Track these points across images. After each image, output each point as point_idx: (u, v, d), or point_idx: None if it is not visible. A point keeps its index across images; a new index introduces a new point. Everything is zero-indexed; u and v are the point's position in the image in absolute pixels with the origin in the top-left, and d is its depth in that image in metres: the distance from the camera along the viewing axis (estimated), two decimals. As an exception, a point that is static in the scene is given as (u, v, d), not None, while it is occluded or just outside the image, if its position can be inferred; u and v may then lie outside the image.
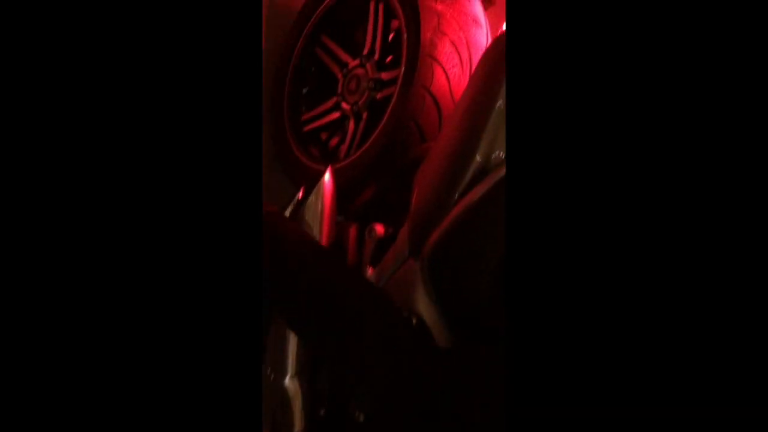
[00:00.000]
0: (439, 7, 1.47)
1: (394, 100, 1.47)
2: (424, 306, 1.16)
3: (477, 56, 1.49)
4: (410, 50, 1.45)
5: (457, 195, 1.16)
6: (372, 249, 1.47)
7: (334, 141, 1.70)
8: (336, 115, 1.68)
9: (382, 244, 1.46)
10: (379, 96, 1.60)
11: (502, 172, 1.09)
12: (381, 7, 1.60)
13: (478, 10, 1.53)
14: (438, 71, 1.45)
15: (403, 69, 1.46)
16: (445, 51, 1.46)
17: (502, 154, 1.18)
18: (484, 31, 1.53)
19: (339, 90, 1.67)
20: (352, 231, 1.51)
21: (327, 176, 1.47)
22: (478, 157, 1.18)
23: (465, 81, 1.47)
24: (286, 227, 1.47)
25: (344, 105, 1.66)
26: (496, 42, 1.29)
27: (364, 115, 1.62)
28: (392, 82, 1.55)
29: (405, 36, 1.47)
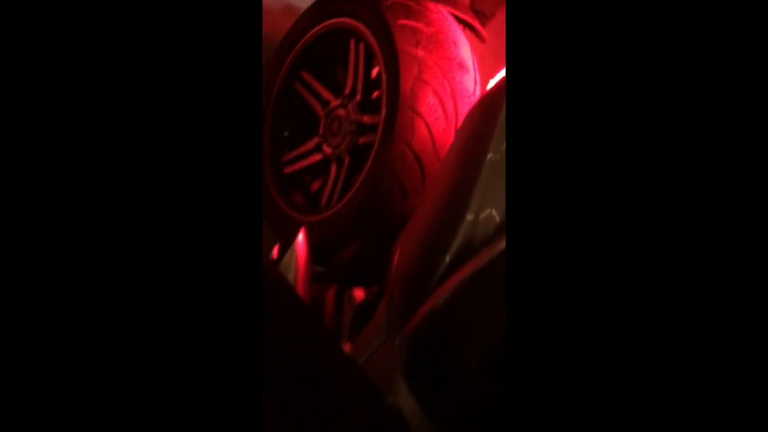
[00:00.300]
0: (420, 53, 1.35)
1: (372, 156, 1.37)
2: (403, 394, 1.09)
3: (463, 104, 1.38)
4: (389, 103, 1.34)
5: (447, 257, 1.07)
6: (351, 318, 1.39)
7: (316, 185, 1.61)
8: (318, 157, 1.59)
9: (362, 311, 1.38)
10: (361, 141, 1.50)
11: (501, 245, 1.01)
12: (361, 46, 1.49)
13: (465, 53, 1.41)
14: (419, 125, 1.35)
15: (382, 124, 1.35)
16: (427, 102, 1.35)
17: (495, 213, 1.10)
18: (472, 75, 1.41)
19: (321, 131, 1.57)
20: (331, 294, 1.43)
21: (300, 237, 1.39)
22: (468, 216, 1.09)
23: (450, 133, 1.36)
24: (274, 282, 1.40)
25: (326, 148, 1.57)
26: (482, 100, 1.19)
27: (346, 160, 1.53)
28: (375, 127, 1.45)
29: (384, 86, 1.36)
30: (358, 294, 1.37)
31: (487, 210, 1.12)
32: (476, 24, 1.46)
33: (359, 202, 1.39)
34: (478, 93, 1.40)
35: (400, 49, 1.35)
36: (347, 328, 1.38)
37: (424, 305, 1.06)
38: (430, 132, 1.35)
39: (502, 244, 1.00)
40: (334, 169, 1.55)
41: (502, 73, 1.21)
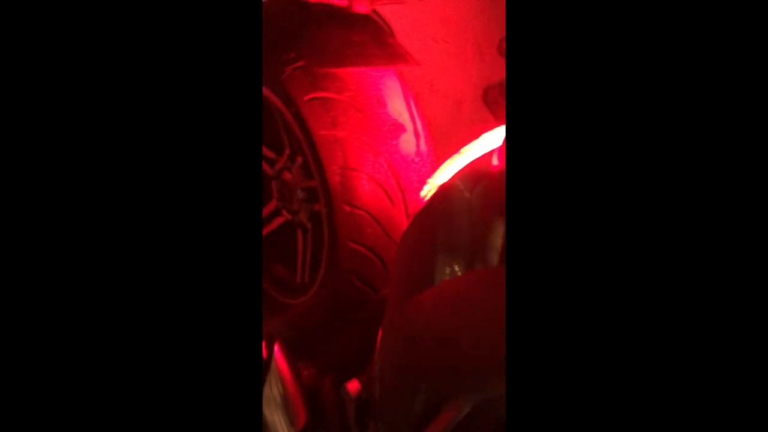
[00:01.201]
0: (340, 134, 1.11)
1: (324, 256, 1.20)
2: None
3: (408, 173, 1.16)
4: (325, 203, 1.14)
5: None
6: (353, 412, 1.33)
7: (289, 250, 1.46)
8: (281, 219, 1.43)
9: (362, 404, 1.32)
10: (316, 207, 1.32)
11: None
12: (281, 111, 1.25)
13: (397, 105, 1.14)
14: (363, 218, 1.15)
15: (324, 223, 1.17)
16: (364, 192, 1.13)
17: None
18: (411, 129, 1.15)
19: (275, 194, 1.40)
20: (327, 385, 1.36)
21: (276, 348, 1.29)
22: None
23: (400, 214, 1.16)
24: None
25: (286, 213, 1.40)
26: (416, 219, 1.00)
27: (309, 227, 1.36)
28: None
29: (316, 183, 1.15)
30: (353, 386, 1.30)
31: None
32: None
33: (329, 299, 1.25)
34: (423, 146, 1.16)
35: (316, 135, 1.11)
36: (353, 420, 1.33)
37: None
38: (377, 222, 1.15)
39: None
40: (300, 236, 1.39)
41: (432, 185, 0.99)
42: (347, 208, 1.13)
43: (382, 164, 1.13)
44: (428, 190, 0.98)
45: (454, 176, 0.94)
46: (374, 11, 1.21)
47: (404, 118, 1.14)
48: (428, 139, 1.16)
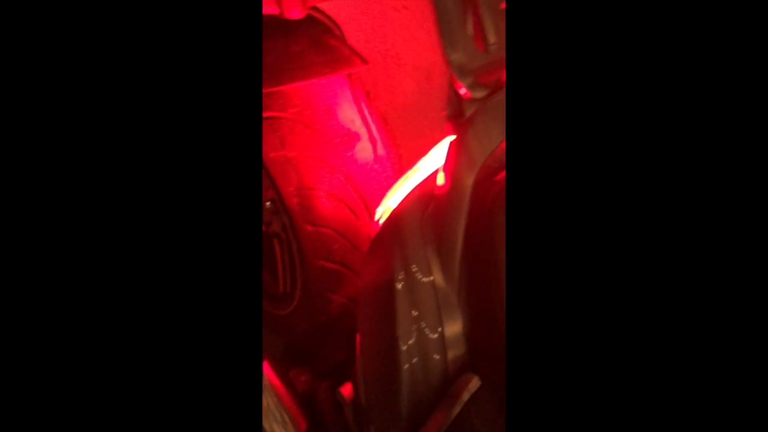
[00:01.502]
0: (291, 154, 1.05)
1: (300, 275, 1.17)
2: None
3: (368, 183, 1.10)
4: (289, 223, 1.10)
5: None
6: (352, 414, 1.32)
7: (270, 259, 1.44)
8: (257, 229, 1.40)
9: (357, 407, 1.31)
10: (285, 218, 1.28)
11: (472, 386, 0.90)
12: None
13: (348, 111, 1.08)
14: (328, 236, 1.10)
15: (293, 243, 1.13)
16: (324, 210, 1.08)
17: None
18: (365, 134, 1.09)
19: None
20: (324, 389, 1.35)
21: (266, 367, 1.28)
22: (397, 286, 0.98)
23: (366, 225, 1.11)
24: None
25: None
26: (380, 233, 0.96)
27: (283, 237, 1.33)
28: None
29: (278, 208, 1.10)
30: (347, 390, 1.29)
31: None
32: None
33: (309, 315, 1.23)
34: (380, 150, 1.10)
35: (266, 157, 1.06)
36: (352, 422, 1.33)
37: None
38: (343, 237, 1.10)
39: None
40: (277, 245, 1.35)
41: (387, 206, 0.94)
42: (310, 227, 1.09)
43: (339, 178, 1.07)
44: (382, 212, 0.93)
45: (404, 199, 0.89)
46: (314, 8, 1.13)
47: (357, 124, 1.08)
48: (385, 141, 1.10)
